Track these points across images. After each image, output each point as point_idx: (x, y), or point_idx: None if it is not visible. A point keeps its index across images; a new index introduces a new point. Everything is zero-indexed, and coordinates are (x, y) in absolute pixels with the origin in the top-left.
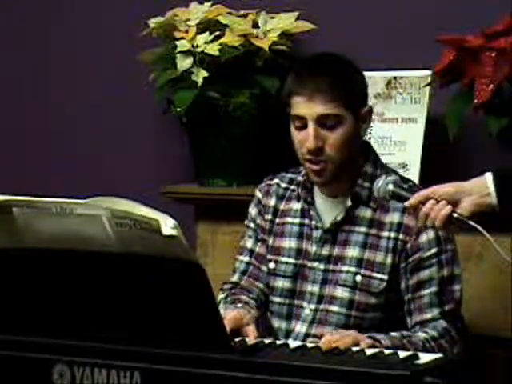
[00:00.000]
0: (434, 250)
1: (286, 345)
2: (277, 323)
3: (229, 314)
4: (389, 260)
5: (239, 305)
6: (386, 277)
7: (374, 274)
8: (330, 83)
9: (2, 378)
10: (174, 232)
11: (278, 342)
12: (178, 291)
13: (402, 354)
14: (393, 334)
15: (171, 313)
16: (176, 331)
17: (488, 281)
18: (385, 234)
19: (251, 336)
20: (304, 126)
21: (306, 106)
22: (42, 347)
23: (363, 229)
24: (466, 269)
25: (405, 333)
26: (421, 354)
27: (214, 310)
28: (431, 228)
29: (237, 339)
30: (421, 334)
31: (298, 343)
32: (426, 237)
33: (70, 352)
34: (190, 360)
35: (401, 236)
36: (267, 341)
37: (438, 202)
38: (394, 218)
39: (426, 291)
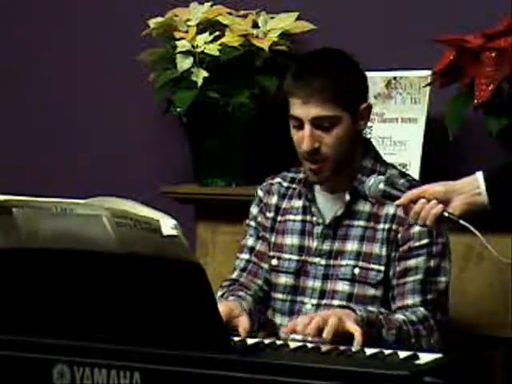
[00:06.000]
0: (424, 241)
1: (286, 345)
2: (279, 320)
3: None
4: (384, 251)
5: (231, 298)
6: (382, 268)
7: (372, 266)
8: (325, 84)
9: (2, 378)
10: (174, 232)
11: (278, 342)
12: (178, 291)
13: (402, 354)
14: (370, 308)
15: (171, 313)
16: (176, 331)
17: (488, 281)
18: (381, 226)
19: (241, 327)
20: (300, 127)
21: (301, 108)
22: (42, 347)
23: (362, 222)
24: (466, 269)
25: (382, 310)
26: (421, 354)
27: (214, 310)
28: None
29: (237, 339)
30: (399, 316)
31: (298, 343)
32: (417, 228)
33: (70, 352)
34: (190, 360)
35: (394, 226)
36: (267, 341)
37: (428, 201)
38: (389, 210)
39: (411, 278)
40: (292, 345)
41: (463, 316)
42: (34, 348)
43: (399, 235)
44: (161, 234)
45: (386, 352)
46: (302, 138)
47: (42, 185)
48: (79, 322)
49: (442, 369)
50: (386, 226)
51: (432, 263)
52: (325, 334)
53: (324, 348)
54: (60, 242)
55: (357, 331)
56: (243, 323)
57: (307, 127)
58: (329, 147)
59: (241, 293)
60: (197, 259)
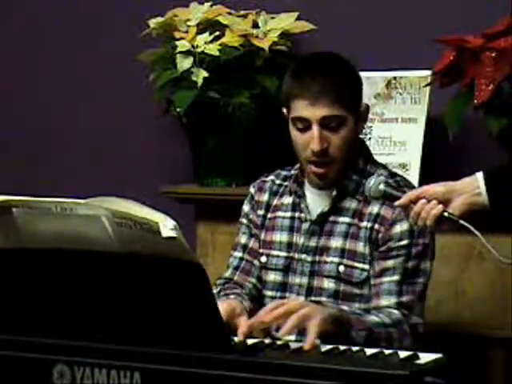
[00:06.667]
0: (403, 242)
1: (286, 345)
2: None
3: (220, 307)
4: (367, 250)
5: (232, 296)
6: (367, 266)
7: (356, 264)
8: (334, 84)
9: (2, 378)
10: (173, 233)
11: (278, 343)
12: (178, 291)
13: (402, 353)
14: (343, 307)
15: (171, 313)
16: (176, 331)
17: (488, 281)
18: (364, 224)
19: (242, 327)
20: (306, 128)
21: (309, 109)
22: (42, 347)
23: (347, 219)
24: (466, 269)
25: (357, 310)
26: (421, 354)
27: (214, 310)
28: (406, 220)
29: (237, 339)
30: (373, 318)
31: (297, 344)
32: (399, 228)
33: (70, 352)
34: (190, 360)
35: (376, 226)
36: (267, 341)
37: (429, 201)
38: (373, 208)
39: (387, 279)
40: (292, 345)
41: (463, 316)
42: (34, 348)
43: (380, 235)
44: (160, 235)
45: (386, 352)
46: (310, 140)
47: (42, 185)
48: (79, 322)
49: (442, 369)
50: (369, 225)
51: (410, 264)
52: (282, 331)
53: (324, 348)
54: (60, 242)
55: (313, 326)
56: (244, 323)
57: (316, 127)
58: (337, 148)
59: (237, 291)
60: (197, 259)
